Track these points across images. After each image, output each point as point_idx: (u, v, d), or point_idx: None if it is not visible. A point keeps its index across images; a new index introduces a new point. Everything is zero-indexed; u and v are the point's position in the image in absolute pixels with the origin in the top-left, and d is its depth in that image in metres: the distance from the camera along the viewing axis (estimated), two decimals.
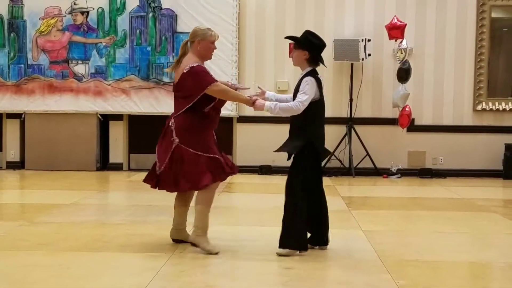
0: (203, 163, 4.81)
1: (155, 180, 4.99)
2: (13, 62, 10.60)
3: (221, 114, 5.10)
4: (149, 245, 5.16)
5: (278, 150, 4.97)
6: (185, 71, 4.83)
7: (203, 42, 4.92)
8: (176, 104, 4.97)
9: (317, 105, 4.83)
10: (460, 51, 10.41)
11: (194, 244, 4.93)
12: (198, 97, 4.79)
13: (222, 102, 4.99)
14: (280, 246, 4.80)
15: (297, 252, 4.79)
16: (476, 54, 10.39)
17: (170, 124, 4.92)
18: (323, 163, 5.28)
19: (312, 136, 4.84)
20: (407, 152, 10.50)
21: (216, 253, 4.82)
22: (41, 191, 8.45)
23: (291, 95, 5.07)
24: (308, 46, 4.85)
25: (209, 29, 5.01)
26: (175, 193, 5.12)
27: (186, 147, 4.81)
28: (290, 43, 10.36)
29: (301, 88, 4.78)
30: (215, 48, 5.02)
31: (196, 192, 5.00)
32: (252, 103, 4.85)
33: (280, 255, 4.76)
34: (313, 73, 4.84)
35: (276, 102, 4.89)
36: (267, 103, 4.84)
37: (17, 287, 4.00)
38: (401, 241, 5.59)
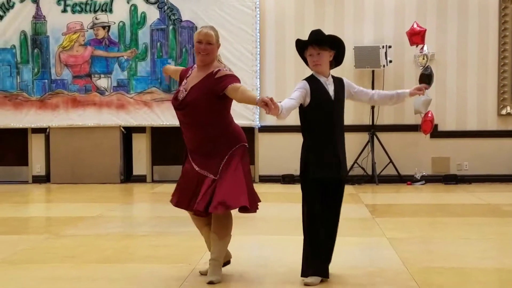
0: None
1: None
2: (37, 78, 10.76)
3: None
4: (173, 256, 5.18)
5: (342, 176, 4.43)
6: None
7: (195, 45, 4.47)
8: None
9: (309, 111, 4.29)
10: (483, 55, 10.32)
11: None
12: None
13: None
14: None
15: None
16: (499, 57, 10.28)
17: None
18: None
19: (307, 152, 4.31)
20: (431, 159, 10.41)
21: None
22: (66, 204, 8.54)
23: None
24: (336, 45, 4.42)
25: (201, 27, 4.50)
26: None
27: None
28: None
29: None
30: (204, 49, 4.36)
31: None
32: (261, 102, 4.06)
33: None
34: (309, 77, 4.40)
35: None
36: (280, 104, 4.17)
37: None
38: (426, 248, 5.54)
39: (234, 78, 4.36)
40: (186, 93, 4.37)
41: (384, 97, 4.61)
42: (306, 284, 4.28)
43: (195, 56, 4.54)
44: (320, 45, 4.30)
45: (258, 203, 4.56)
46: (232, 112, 4.52)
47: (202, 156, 4.35)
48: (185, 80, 4.48)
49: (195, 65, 4.54)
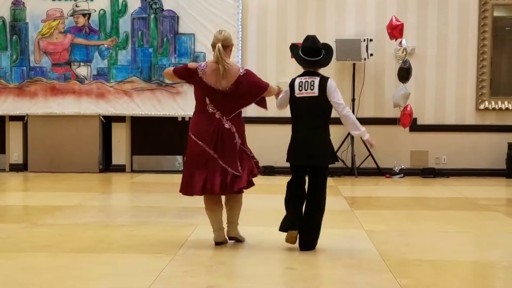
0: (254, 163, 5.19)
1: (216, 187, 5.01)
2: (16, 65, 10.62)
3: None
4: (152, 246, 5.16)
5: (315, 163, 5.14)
6: (241, 74, 5.02)
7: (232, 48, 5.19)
8: (230, 105, 5.02)
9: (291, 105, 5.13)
10: (462, 50, 10.41)
11: (236, 239, 5.23)
12: (257, 99, 5.14)
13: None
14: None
15: None
16: (478, 53, 10.38)
17: (227, 127, 4.99)
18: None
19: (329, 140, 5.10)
20: (409, 152, 10.50)
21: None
22: (44, 193, 8.47)
23: None
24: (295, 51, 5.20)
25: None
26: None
27: (245, 149, 5.13)
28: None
29: None
30: None
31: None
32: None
33: None
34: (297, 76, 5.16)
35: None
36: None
37: None
38: (403, 240, 5.59)
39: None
40: None
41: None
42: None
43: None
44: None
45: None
46: None
47: None
48: None
49: None
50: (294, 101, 5.05)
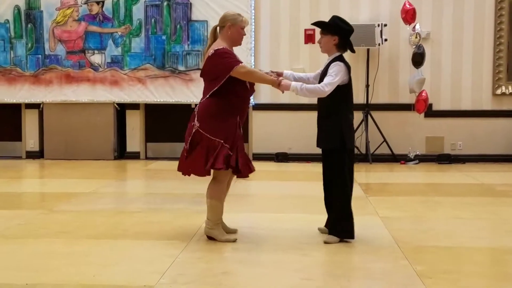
0: (219, 150, 4.72)
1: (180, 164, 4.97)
2: (31, 53, 10.67)
3: None
4: (166, 233, 5.19)
5: (320, 146, 4.98)
6: (209, 55, 4.79)
7: (234, 28, 4.84)
8: (203, 90, 4.89)
9: (345, 89, 4.82)
10: (479, 34, 10.28)
11: (210, 237, 4.91)
12: (224, 80, 4.69)
13: (246, 91, 4.87)
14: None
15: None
16: (495, 37, 10.24)
17: (196, 109, 4.86)
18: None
19: (342, 125, 4.81)
20: (425, 138, 10.42)
21: (234, 241, 4.84)
22: (60, 180, 8.52)
23: (312, 74, 5.17)
24: (338, 31, 4.82)
25: (240, 15, 4.94)
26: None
27: (205, 133, 4.74)
28: (306, 30, 10.33)
29: (329, 71, 4.75)
30: (245, 35, 4.97)
31: (206, 183, 4.97)
32: (278, 84, 4.80)
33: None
34: (342, 58, 4.84)
35: (301, 83, 4.84)
36: (293, 83, 4.80)
37: (37, 275, 4.04)
38: (419, 227, 5.56)
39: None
40: None
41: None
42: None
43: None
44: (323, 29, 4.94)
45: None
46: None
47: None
48: None
49: (231, 48, 4.88)
50: (350, 86, 4.89)
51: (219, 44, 4.83)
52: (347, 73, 4.80)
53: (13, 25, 10.63)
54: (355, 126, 10.03)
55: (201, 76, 4.97)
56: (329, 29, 4.84)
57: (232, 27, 4.84)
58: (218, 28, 4.94)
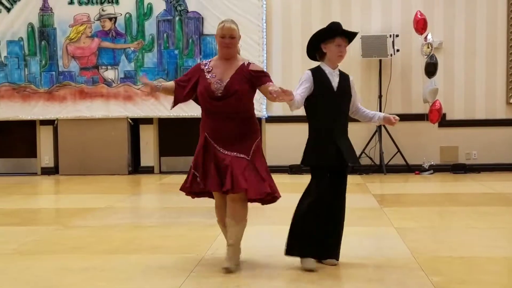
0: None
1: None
2: (45, 70, 10.79)
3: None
4: (181, 247, 5.19)
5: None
6: None
7: (217, 38, 4.58)
8: None
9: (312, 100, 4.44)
10: (491, 43, 10.25)
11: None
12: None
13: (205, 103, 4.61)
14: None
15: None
16: (508, 45, 10.22)
17: None
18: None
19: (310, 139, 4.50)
20: (439, 148, 10.38)
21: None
22: (75, 195, 8.58)
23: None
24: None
25: (222, 22, 4.55)
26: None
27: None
28: None
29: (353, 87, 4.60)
30: (229, 43, 4.46)
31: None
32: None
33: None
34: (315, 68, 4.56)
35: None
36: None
37: None
38: (434, 237, 5.52)
39: (269, 77, 4.58)
40: (225, 83, 4.47)
41: (364, 116, 4.71)
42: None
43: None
44: (349, 40, 4.51)
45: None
46: None
47: (230, 141, 4.47)
48: (211, 74, 4.53)
49: (212, 59, 4.63)
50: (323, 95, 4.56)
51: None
52: (314, 82, 4.45)
53: (27, 43, 10.76)
54: (368, 137, 10.14)
55: None
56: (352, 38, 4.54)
57: (216, 38, 4.59)
58: None
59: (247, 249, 4.87)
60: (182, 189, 4.64)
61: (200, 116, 4.74)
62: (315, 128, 4.50)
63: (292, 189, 8.71)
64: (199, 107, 4.81)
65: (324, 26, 4.53)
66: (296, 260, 4.66)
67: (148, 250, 5.13)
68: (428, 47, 9.89)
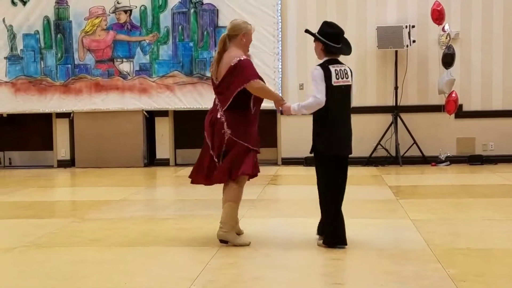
0: (251, 156, 4.89)
1: (203, 176, 5.01)
2: (61, 63, 10.84)
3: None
4: (197, 239, 5.21)
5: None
6: (232, 64, 4.85)
7: (247, 36, 4.99)
8: (222, 98, 4.94)
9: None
10: (508, 33, 10.13)
11: (223, 241, 4.91)
12: (238, 90, 4.80)
13: (261, 98, 5.01)
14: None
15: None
16: None
17: (219, 116, 4.89)
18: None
19: (320, 132, 4.95)
20: (455, 139, 10.30)
21: (248, 244, 4.86)
22: (91, 188, 8.63)
23: None
24: (322, 36, 4.87)
25: (248, 23, 5.10)
26: (218, 186, 5.12)
27: (237, 140, 4.83)
28: None
29: (311, 81, 4.83)
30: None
31: (224, 188, 4.99)
32: (281, 104, 5.01)
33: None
34: (323, 63, 4.80)
35: (298, 102, 4.98)
36: (292, 105, 4.96)
37: (69, 282, 4.10)
38: (450, 229, 5.49)
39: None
40: None
41: None
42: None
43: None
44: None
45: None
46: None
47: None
48: None
49: (244, 56, 4.94)
50: (332, 90, 4.77)
51: (238, 52, 4.89)
52: (324, 76, 4.73)
53: (43, 36, 10.81)
54: (384, 128, 10.08)
55: (218, 82, 4.97)
56: (314, 36, 4.95)
57: (246, 35, 4.97)
58: (228, 36, 4.96)
59: (260, 241, 4.87)
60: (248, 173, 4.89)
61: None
62: (329, 118, 4.83)
63: (308, 181, 8.73)
64: (212, 99, 5.04)
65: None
66: (311, 252, 4.66)
67: (164, 242, 5.15)
68: (446, 38, 9.79)
